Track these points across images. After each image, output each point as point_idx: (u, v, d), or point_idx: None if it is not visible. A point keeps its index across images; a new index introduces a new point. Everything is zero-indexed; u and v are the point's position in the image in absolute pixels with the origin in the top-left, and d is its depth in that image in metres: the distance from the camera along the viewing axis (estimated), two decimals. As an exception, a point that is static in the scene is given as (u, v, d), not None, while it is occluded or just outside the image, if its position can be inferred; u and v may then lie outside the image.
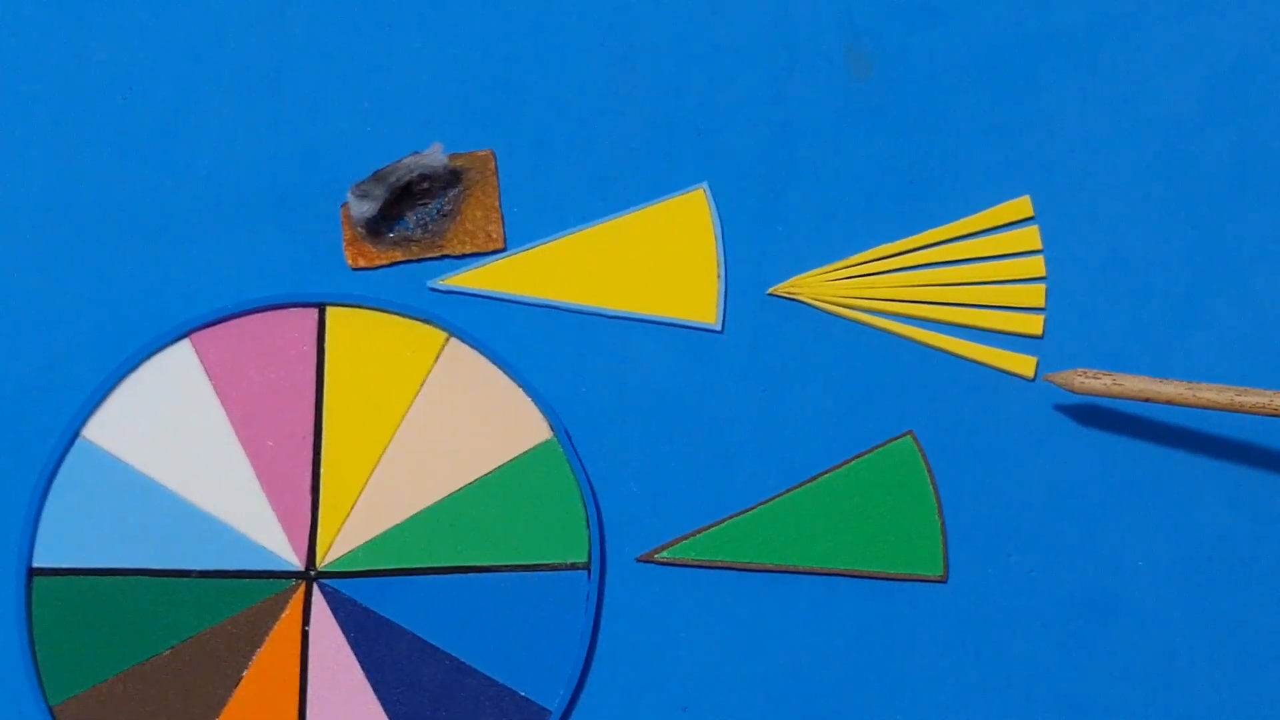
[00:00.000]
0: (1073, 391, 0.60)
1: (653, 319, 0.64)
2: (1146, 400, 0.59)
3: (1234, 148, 0.65)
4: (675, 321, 0.64)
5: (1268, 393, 0.58)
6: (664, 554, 0.63)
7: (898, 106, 0.65)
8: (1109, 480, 0.63)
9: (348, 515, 0.62)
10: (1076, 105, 0.65)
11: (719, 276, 0.64)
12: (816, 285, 0.64)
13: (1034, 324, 0.64)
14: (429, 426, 0.63)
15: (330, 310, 0.63)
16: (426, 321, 0.63)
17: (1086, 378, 0.60)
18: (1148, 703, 0.62)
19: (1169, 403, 0.59)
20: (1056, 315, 0.64)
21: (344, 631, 0.62)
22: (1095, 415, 0.63)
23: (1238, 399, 0.58)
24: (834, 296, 0.64)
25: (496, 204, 0.64)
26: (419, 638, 0.61)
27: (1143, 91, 0.65)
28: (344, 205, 0.64)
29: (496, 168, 0.65)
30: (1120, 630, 0.63)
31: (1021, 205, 0.65)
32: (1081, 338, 0.64)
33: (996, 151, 0.65)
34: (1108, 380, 0.59)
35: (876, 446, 0.63)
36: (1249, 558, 0.63)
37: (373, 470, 0.62)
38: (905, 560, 0.63)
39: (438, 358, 0.63)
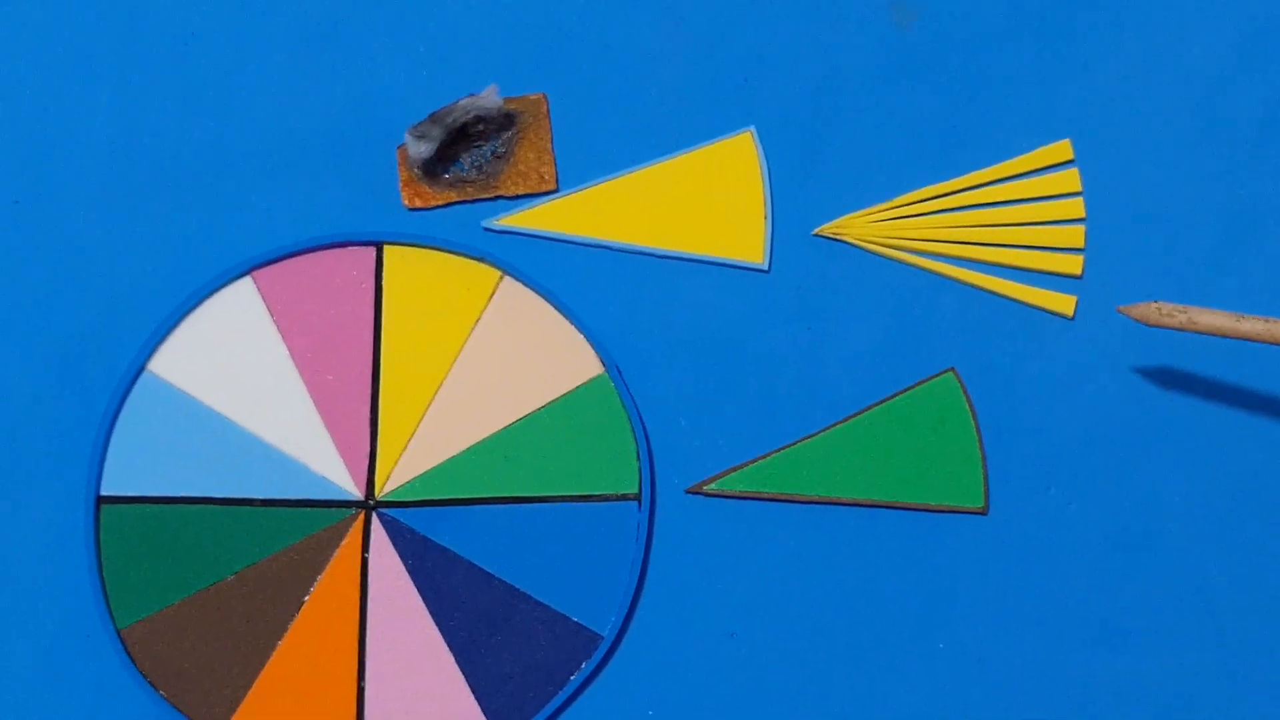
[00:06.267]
0: (1149, 325, 0.60)
1: (701, 258, 0.65)
2: (1223, 336, 0.59)
3: (1270, 90, 0.66)
4: (723, 261, 0.65)
5: None
6: (712, 486, 0.64)
7: (941, 52, 0.67)
8: (1146, 415, 0.65)
9: (405, 447, 0.64)
10: (1115, 50, 0.67)
11: (766, 217, 0.66)
12: (861, 226, 0.66)
13: (1074, 264, 0.66)
14: (484, 361, 0.64)
15: (387, 249, 0.65)
16: (481, 260, 0.65)
17: (1162, 314, 0.60)
18: (1185, 633, 0.64)
19: (1246, 339, 0.59)
20: (1095, 255, 0.66)
21: (402, 559, 0.63)
22: (1133, 353, 0.65)
23: None
24: (878, 237, 0.66)
25: (549, 146, 0.66)
26: (475, 565, 0.63)
27: (1180, 35, 0.67)
28: (400, 147, 0.66)
29: (549, 111, 0.66)
30: (1157, 561, 0.64)
31: (1062, 148, 0.66)
32: (1120, 278, 0.65)
33: (1037, 96, 0.66)
34: (1183, 318, 0.60)
35: (919, 383, 0.65)
36: (1282, 492, 0.65)
37: (429, 404, 0.64)
38: (947, 493, 0.64)
39: (492, 295, 0.65)
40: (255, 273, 0.65)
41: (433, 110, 0.65)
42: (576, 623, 0.63)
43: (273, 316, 0.65)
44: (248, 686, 0.62)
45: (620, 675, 0.63)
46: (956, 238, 0.66)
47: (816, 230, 0.66)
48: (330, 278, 0.65)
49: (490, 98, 0.65)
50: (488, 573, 0.63)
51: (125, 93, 0.66)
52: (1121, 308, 0.61)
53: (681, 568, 0.64)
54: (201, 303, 0.64)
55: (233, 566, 0.63)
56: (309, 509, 0.63)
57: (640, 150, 0.66)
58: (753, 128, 0.66)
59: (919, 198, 0.66)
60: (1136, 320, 0.61)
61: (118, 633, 0.63)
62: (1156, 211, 0.66)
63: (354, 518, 0.64)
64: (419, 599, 0.63)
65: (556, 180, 0.66)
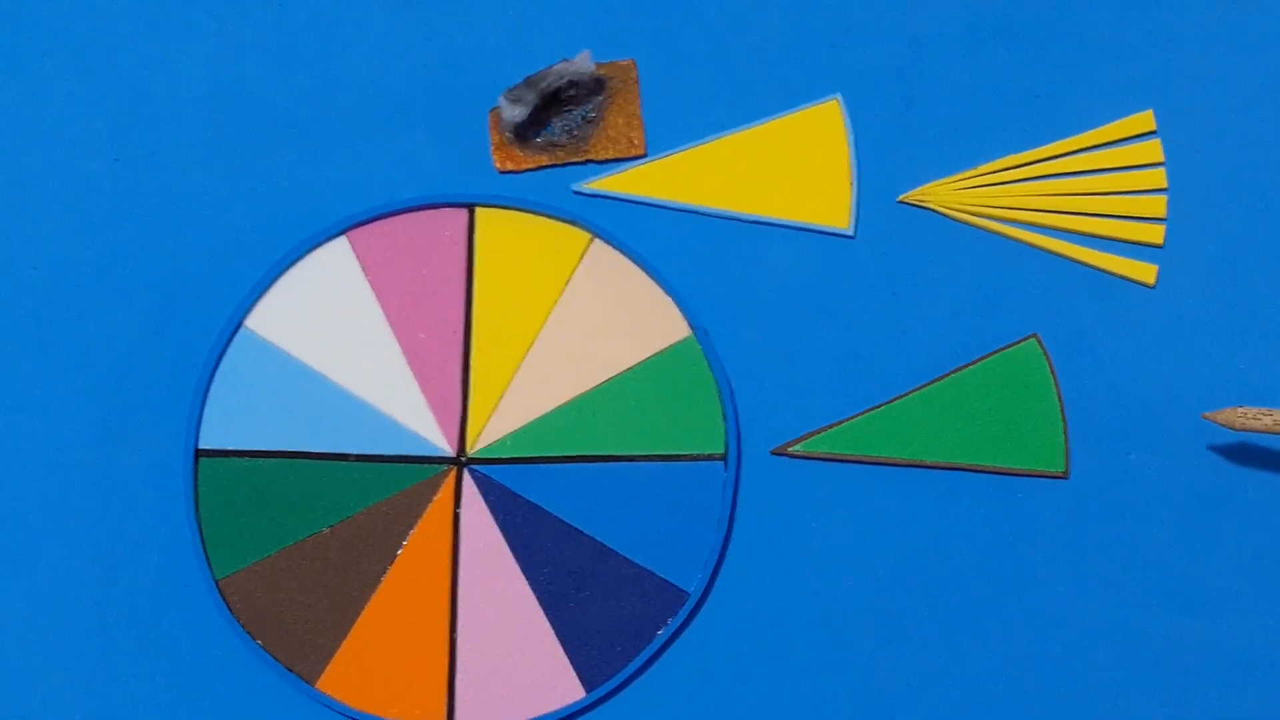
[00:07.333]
0: (1234, 430, 0.62)
1: (788, 224, 0.66)
2: None
3: (1354, 65, 0.67)
4: (809, 226, 0.66)
5: None
6: (797, 447, 0.65)
7: (1025, 20, 0.67)
8: (1226, 380, 0.65)
9: (496, 405, 0.65)
10: (1200, 19, 0.67)
11: (852, 184, 0.67)
12: (945, 193, 0.67)
13: (1155, 233, 0.66)
14: (573, 322, 0.66)
15: (479, 211, 0.66)
16: (571, 223, 0.66)
17: (1247, 418, 0.61)
18: (1265, 597, 0.65)
19: None
20: (1177, 225, 0.67)
21: (493, 514, 0.65)
22: (1213, 320, 0.66)
23: None
24: (962, 204, 0.66)
25: (638, 112, 0.67)
26: (564, 521, 0.64)
27: (1264, 4, 0.67)
28: (492, 110, 0.67)
29: (638, 77, 0.67)
30: (1237, 526, 0.65)
31: (1144, 119, 0.67)
32: (1201, 247, 0.66)
33: (1121, 66, 0.67)
34: (1268, 420, 0.61)
35: (1002, 348, 0.66)
36: (1359, 461, 0.65)
37: (520, 363, 0.65)
38: (1029, 457, 0.65)
39: (582, 257, 0.66)
40: (350, 232, 0.66)
41: (527, 75, 0.66)
42: (663, 579, 0.64)
43: (367, 275, 0.66)
44: (343, 636, 0.64)
45: (706, 631, 0.65)
46: (1040, 206, 0.67)
47: (901, 197, 0.67)
48: (423, 238, 0.66)
49: (584, 63, 0.66)
50: (577, 529, 0.64)
51: (223, 54, 0.67)
52: (1207, 414, 0.62)
53: (766, 527, 0.65)
54: (297, 261, 0.66)
55: (328, 519, 0.64)
56: (402, 465, 0.65)
57: (727, 116, 0.67)
58: (839, 95, 0.67)
59: (1003, 166, 0.67)
60: (1221, 425, 0.62)
61: (216, 583, 0.64)
62: (1238, 182, 0.66)
63: (446, 474, 0.65)
64: (509, 554, 0.64)
65: (645, 145, 0.67)
